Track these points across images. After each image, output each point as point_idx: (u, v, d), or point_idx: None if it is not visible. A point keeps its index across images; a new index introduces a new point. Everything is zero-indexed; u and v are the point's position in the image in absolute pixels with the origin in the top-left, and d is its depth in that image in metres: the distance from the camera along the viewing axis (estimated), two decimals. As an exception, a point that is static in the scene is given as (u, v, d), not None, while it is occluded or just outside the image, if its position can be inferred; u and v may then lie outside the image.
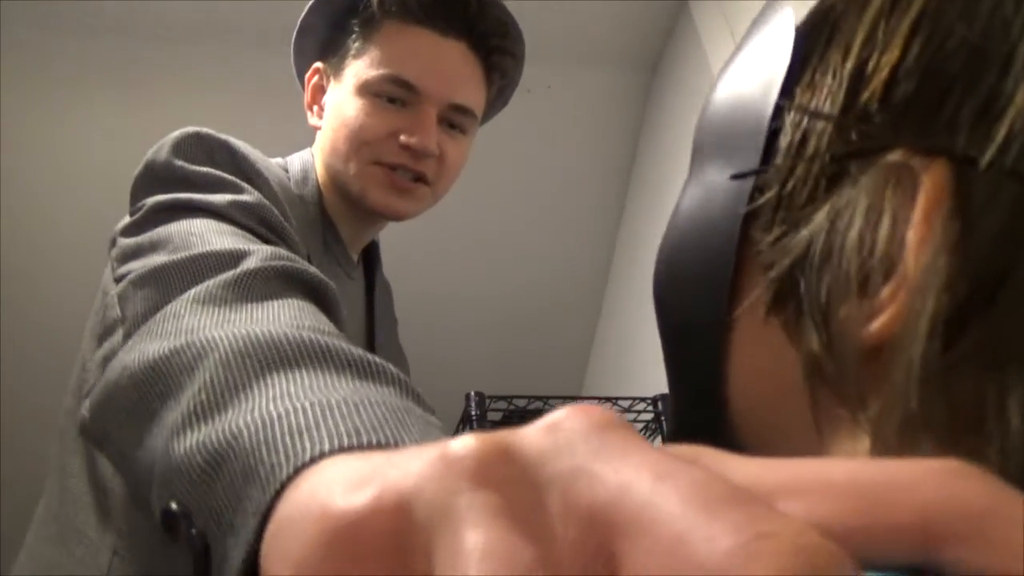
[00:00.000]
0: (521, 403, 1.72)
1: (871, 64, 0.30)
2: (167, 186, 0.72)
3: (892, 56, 0.29)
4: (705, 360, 0.36)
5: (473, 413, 1.57)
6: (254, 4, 1.91)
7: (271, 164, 0.89)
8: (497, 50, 0.98)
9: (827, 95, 0.32)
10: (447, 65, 0.94)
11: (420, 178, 0.94)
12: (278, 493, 0.27)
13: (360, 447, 0.29)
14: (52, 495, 0.74)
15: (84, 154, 2.05)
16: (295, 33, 1.00)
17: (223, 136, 0.80)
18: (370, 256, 1.12)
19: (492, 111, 1.08)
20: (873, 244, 0.28)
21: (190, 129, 0.79)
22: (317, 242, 0.93)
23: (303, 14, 0.98)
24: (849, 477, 0.15)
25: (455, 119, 0.96)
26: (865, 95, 0.30)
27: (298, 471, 0.27)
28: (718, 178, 0.36)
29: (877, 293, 0.28)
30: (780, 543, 0.13)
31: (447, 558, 0.15)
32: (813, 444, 0.32)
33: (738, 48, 0.39)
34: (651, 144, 2.23)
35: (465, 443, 0.17)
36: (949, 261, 0.26)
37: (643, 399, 1.68)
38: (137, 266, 0.61)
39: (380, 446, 0.30)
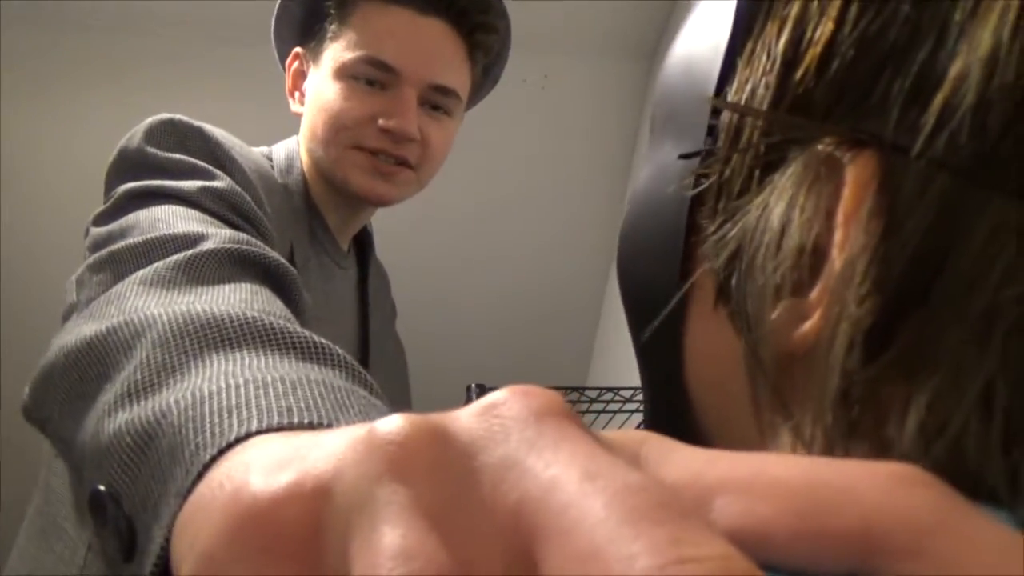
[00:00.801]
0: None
1: (805, 38, 0.27)
2: (139, 173, 0.71)
3: (825, 31, 0.27)
4: (663, 345, 0.35)
5: (475, 406, 1.56)
6: (248, 1, 1.91)
7: (250, 152, 0.87)
8: (479, 27, 0.95)
9: (762, 75, 0.29)
10: (426, 44, 0.90)
11: (402, 163, 0.92)
12: (200, 475, 0.25)
13: (292, 427, 0.27)
14: (40, 494, 0.74)
15: (79, 149, 2.04)
16: (273, 19, 0.98)
17: (197, 123, 0.79)
18: (362, 243, 1.10)
19: (480, 91, 1.04)
20: (799, 242, 0.26)
21: (163, 116, 0.77)
22: (303, 231, 0.92)
23: (278, 1, 0.96)
24: (792, 476, 0.15)
25: (438, 100, 0.93)
26: (797, 74, 0.27)
27: (222, 451, 0.25)
28: (668, 157, 0.34)
29: (807, 294, 0.26)
30: (701, 569, 0.12)
31: (361, 557, 0.14)
32: (757, 439, 0.30)
33: (689, 14, 0.37)
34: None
35: (392, 425, 0.16)
36: (872, 263, 0.24)
37: (645, 389, 1.67)
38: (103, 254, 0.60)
39: (313, 426, 0.28)
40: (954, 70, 0.23)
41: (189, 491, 0.24)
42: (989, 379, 0.22)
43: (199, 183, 0.69)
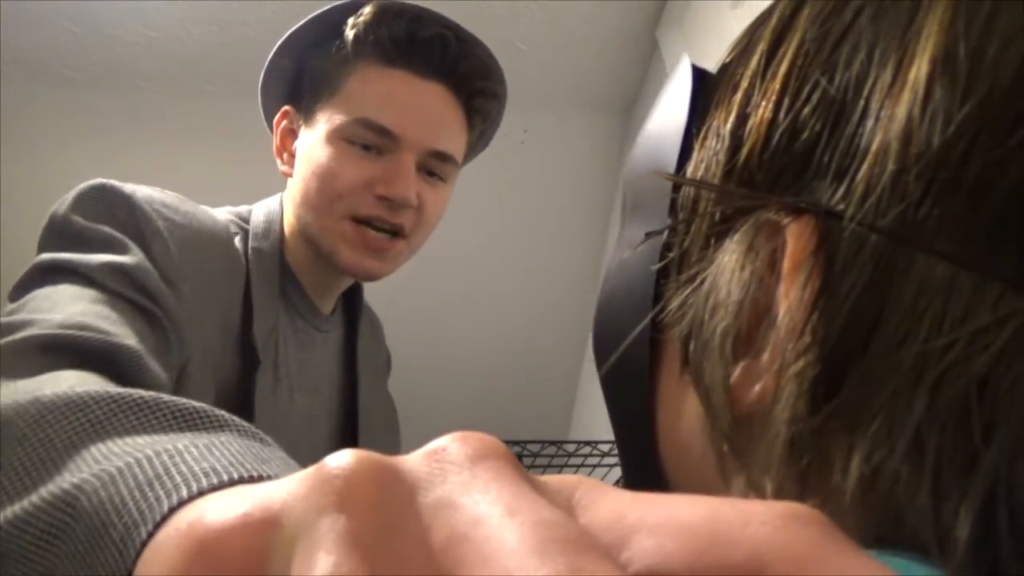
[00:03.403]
0: (503, 448, 1.70)
1: (749, 122, 0.30)
2: (61, 242, 0.70)
3: (765, 115, 0.30)
4: (636, 416, 0.36)
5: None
6: (230, 54, 1.92)
7: (198, 219, 0.82)
8: (479, 92, 0.92)
9: (713, 155, 0.32)
10: (426, 109, 0.87)
11: (397, 231, 0.88)
12: (139, 554, 0.24)
13: (223, 485, 0.26)
14: None
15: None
16: (263, 73, 0.94)
17: (129, 190, 0.75)
18: (351, 298, 1.06)
19: (472, 153, 1.02)
20: (739, 298, 0.28)
21: (95, 183, 0.74)
22: (272, 297, 0.87)
23: (272, 54, 0.93)
24: (698, 515, 0.16)
25: (435, 166, 0.90)
26: (743, 153, 0.30)
27: (158, 526, 0.24)
28: (636, 235, 0.36)
29: (760, 357, 0.28)
30: None
31: None
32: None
33: (655, 103, 0.40)
34: (628, 188, 2.25)
35: (340, 461, 0.17)
36: (812, 318, 0.26)
37: (625, 442, 1.67)
38: None
39: (244, 481, 0.27)
40: (876, 143, 0.25)
41: (130, 572, 0.24)
42: (917, 428, 0.23)
43: (106, 258, 0.67)
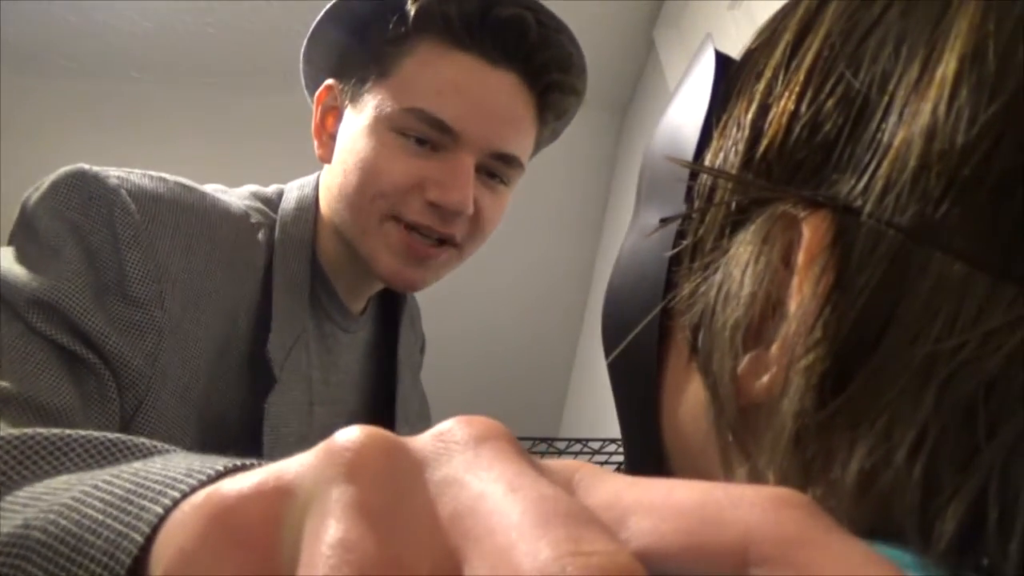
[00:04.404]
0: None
1: (770, 114, 0.30)
2: (23, 238, 0.63)
3: (788, 106, 0.30)
4: (642, 402, 0.36)
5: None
6: (228, 46, 1.92)
7: (201, 214, 0.70)
8: (556, 86, 0.78)
9: (732, 144, 0.32)
10: (494, 103, 0.73)
11: (447, 239, 0.76)
12: (133, 558, 0.22)
13: (210, 480, 0.23)
14: None
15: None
16: (306, 40, 0.80)
17: (113, 182, 0.65)
18: (390, 295, 0.94)
19: (537, 150, 0.86)
20: (753, 290, 0.28)
21: (75, 170, 0.65)
22: (300, 302, 0.75)
23: (317, 19, 0.78)
24: (691, 498, 0.17)
25: (497, 168, 0.77)
26: (763, 143, 0.30)
27: (156, 528, 0.22)
28: (651, 221, 0.36)
29: (769, 347, 0.28)
30: (589, 562, 0.14)
31: (307, 547, 0.16)
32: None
33: (675, 88, 0.40)
34: (624, 184, 2.25)
35: (350, 435, 0.18)
36: (825, 313, 0.26)
37: (613, 440, 1.68)
38: None
39: (231, 471, 0.24)
40: (899, 139, 0.25)
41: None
42: (921, 429, 0.23)
43: (40, 292, 0.58)
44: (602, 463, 1.64)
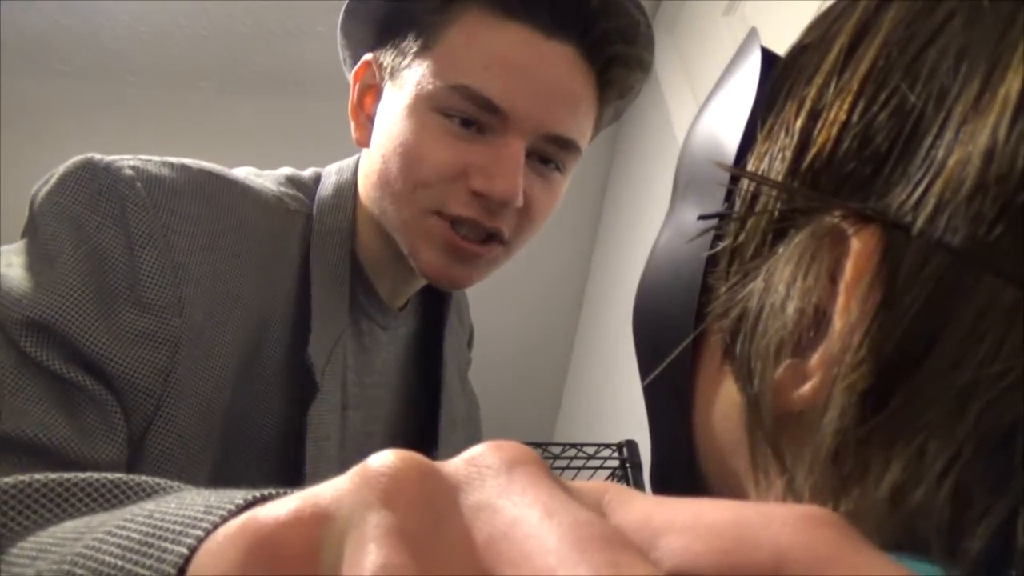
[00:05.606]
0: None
1: (820, 121, 0.29)
2: (28, 240, 0.58)
3: (839, 115, 0.29)
4: (673, 396, 0.36)
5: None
6: (221, 49, 1.92)
7: (228, 204, 0.64)
8: (619, 60, 0.69)
9: (779, 149, 0.31)
10: (548, 79, 0.65)
11: (494, 234, 0.68)
12: None
13: (233, 515, 0.22)
14: None
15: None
16: (342, 13, 0.73)
17: (128, 173, 0.59)
18: (434, 290, 0.86)
19: (597, 132, 0.76)
20: (800, 305, 0.28)
21: (86, 160, 0.59)
22: (340, 300, 0.69)
23: None
24: (723, 518, 0.17)
25: (551, 153, 0.68)
26: (812, 152, 0.29)
27: (188, 559, 0.21)
28: (688, 217, 0.36)
29: (809, 357, 0.28)
30: None
31: (350, 568, 0.16)
32: (752, 489, 0.32)
33: (718, 83, 0.39)
34: (618, 189, 2.25)
35: (385, 460, 0.18)
36: (870, 331, 0.25)
37: (608, 445, 1.67)
38: None
39: (252, 504, 0.23)
40: (955, 158, 0.24)
41: None
42: (956, 451, 0.23)
43: (33, 312, 0.53)
44: (597, 468, 1.64)
